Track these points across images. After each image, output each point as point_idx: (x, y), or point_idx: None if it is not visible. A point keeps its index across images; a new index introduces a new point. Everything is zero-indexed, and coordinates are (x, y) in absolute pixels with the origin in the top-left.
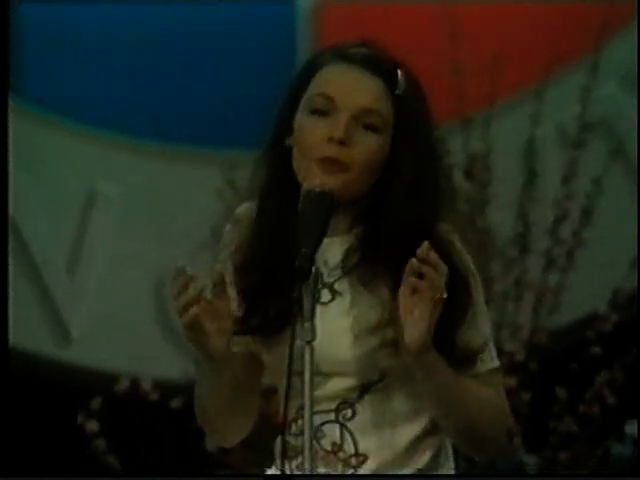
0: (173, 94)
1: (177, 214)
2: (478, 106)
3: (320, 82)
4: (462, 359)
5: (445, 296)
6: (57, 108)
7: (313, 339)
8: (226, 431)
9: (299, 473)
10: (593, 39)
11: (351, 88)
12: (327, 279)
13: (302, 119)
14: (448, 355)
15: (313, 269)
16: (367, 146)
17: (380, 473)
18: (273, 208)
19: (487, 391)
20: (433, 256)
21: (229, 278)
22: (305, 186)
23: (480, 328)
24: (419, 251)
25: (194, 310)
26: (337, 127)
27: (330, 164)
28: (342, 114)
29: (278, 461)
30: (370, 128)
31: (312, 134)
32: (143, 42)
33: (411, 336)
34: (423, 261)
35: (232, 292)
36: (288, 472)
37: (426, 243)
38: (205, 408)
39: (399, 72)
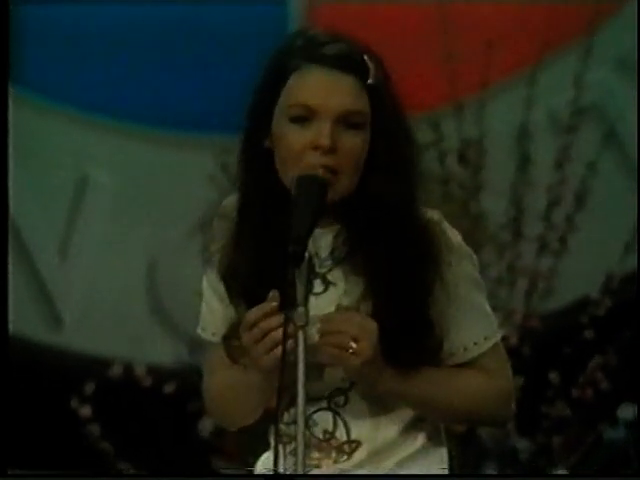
0: (166, 82)
1: (170, 200)
2: (471, 91)
3: (295, 90)
4: (437, 346)
5: (351, 350)
6: (51, 94)
7: (306, 324)
8: (242, 418)
9: (293, 463)
10: (586, 24)
11: (328, 93)
12: (319, 269)
13: (282, 127)
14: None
15: (306, 254)
16: (353, 146)
17: (373, 459)
18: (256, 208)
19: (468, 380)
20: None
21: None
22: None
23: (461, 315)
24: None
25: (291, 343)
26: (322, 135)
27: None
28: (324, 121)
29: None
30: (353, 127)
31: (296, 143)
32: (140, 35)
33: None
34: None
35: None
36: (282, 457)
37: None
38: (224, 398)
39: (366, 59)
